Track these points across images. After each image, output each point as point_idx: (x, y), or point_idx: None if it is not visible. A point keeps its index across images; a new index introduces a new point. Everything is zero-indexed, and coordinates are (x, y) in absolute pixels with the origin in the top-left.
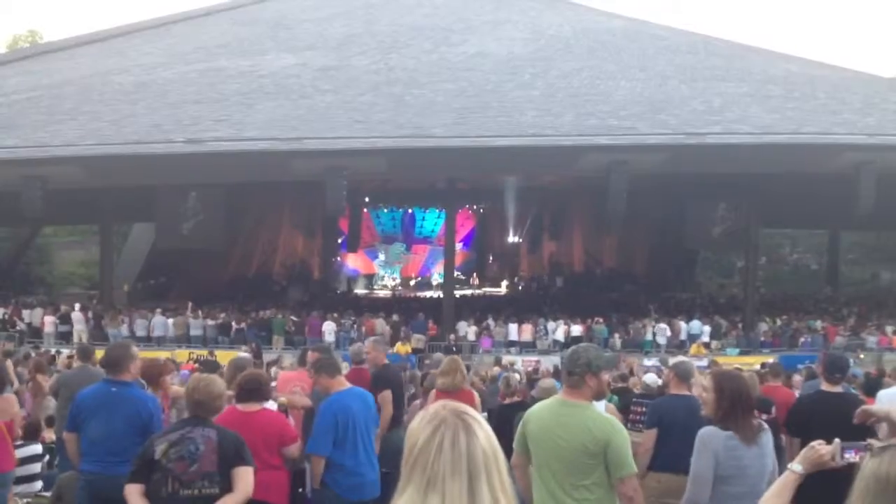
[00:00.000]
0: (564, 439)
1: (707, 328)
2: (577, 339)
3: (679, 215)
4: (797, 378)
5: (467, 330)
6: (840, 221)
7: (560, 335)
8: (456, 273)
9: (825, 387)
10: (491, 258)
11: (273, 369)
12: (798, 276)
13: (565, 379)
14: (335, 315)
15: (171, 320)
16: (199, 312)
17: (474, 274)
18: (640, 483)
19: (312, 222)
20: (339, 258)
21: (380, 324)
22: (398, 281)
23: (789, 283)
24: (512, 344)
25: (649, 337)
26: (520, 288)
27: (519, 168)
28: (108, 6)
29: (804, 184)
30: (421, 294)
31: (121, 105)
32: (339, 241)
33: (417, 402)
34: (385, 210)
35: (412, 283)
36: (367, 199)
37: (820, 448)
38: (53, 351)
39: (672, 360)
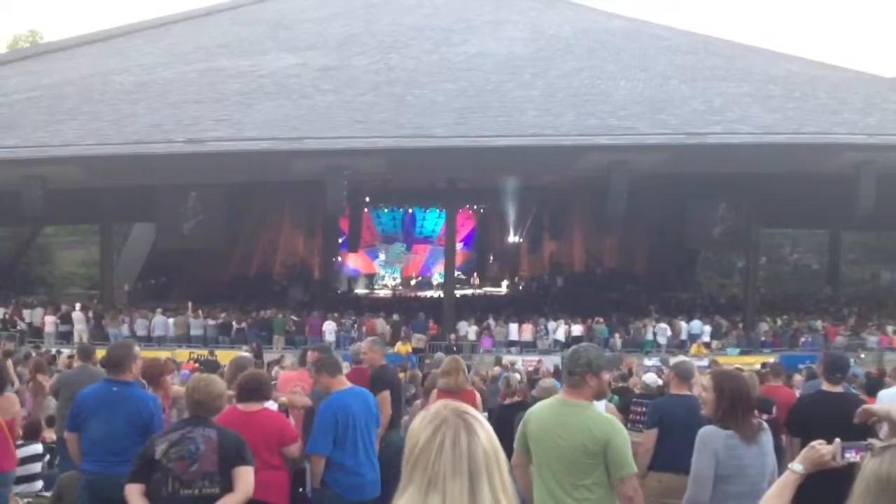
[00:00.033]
0: (564, 439)
1: (707, 328)
2: (577, 339)
3: (679, 215)
4: (798, 378)
5: (468, 330)
6: (840, 221)
7: (560, 335)
8: (456, 273)
9: (826, 387)
10: (491, 258)
11: (274, 369)
12: (798, 276)
13: (566, 379)
14: (336, 315)
15: (171, 320)
16: (200, 312)
17: (475, 274)
18: (640, 483)
19: (313, 222)
20: (339, 258)
21: (380, 323)
22: (399, 281)
23: (790, 283)
24: (512, 344)
25: (650, 337)
26: (520, 288)
27: (519, 168)
28: (108, 6)
29: (805, 184)
30: (421, 294)
31: (121, 105)
32: (340, 240)
33: (418, 402)
34: (385, 210)
35: (413, 282)
36: (367, 199)
37: (820, 448)
38: (54, 351)
39: (673, 360)
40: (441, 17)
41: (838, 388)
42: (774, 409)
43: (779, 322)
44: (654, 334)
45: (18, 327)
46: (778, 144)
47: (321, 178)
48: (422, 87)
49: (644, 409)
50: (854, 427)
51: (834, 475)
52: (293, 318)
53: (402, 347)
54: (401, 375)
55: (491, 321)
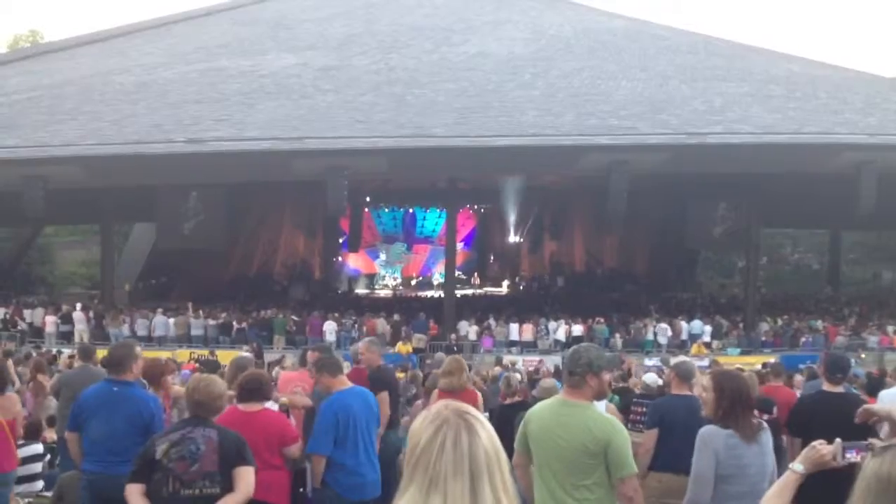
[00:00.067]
0: (565, 439)
1: (708, 328)
2: (578, 339)
3: (680, 215)
4: (799, 378)
5: (468, 330)
6: (841, 221)
7: (561, 335)
8: (457, 273)
9: (826, 387)
10: (492, 258)
11: (275, 370)
12: (799, 276)
13: (566, 379)
14: (336, 315)
15: (172, 320)
16: (201, 312)
17: (475, 274)
18: (641, 483)
19: (313, 222)
20: (340, 258)
21: (381, 323)
22: (399, 281)
23: (790, 283)
24: (513, 344)
25: (650, 337)
26: (521, 288)
27: (520, 168)
28: (108, 6)
29: (805, 184)
30: (422, 294)
31: (121, 105)
32: (341, 240)
33: (420, 402)
34: (386, 210)
35: (413, 282)
36: (368, 199)
37: (821, 448)
38: (55, 351)
39: (673, 360)
40: (441, 17)
41: (839, 389)
42: (775, 410)
43: (779, 322)
44: (655, 334)
45: (19, 327)
46: (778, 144)
47: (322, 178)
48: (422, 87)
49: (644, 409)
50: (855, 427)
51: (834, 475)
52: (294, 318)
53: (402, 347)
54: (401, 376)
55: (491, 321)
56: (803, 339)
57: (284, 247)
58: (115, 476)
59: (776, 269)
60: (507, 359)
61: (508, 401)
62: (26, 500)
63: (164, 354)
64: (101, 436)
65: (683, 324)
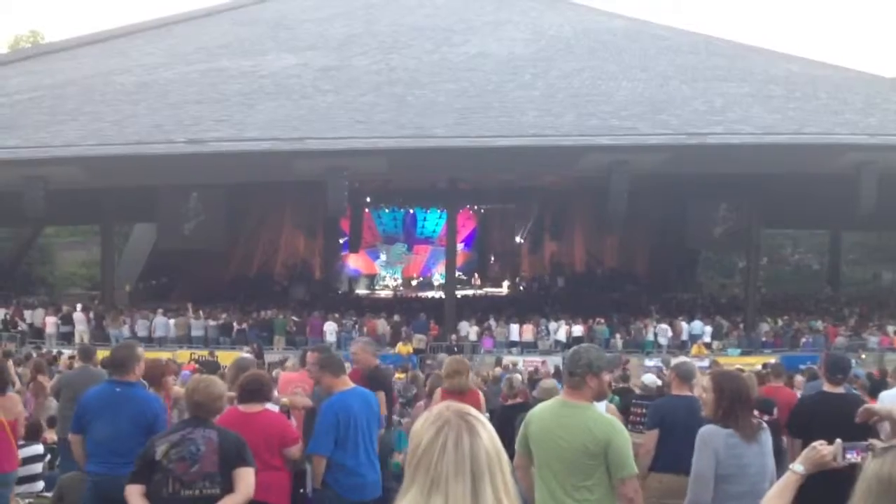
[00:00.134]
0: (565, 440)
1: (708, 328)
2: (578, 340)
3: (680, 215)
4: (799, 379)
5: (469, 330)
6: (841, 222)
7: (561, 335)
8: (457, 273)
9: (827, 387)
10: (492, 258)
11: (275, 370)
12: (799, 277)
13: (566, 379)
14: (337, 315)
15: (172, 321)
16: (201, 313)
17: (476, 274)
18: (641, 484)
19: (314, 222)
20: (340, 258)
21: (381, 324)
22: (399, 281)
23: (791, 284)
24: (513, 344)
25: (650, 337)
26: (521, 288)
27: (520, 168)
28: (109, 7)
29: (805, 184)
30: (422, 294)
31: (122, 105)
32: (341, 241)
33: (421, 402)
34: (386, 210)
35: (414, 283)
36: (368, 200)
37: (822, 448)
38: (55, 351)
39: (674, 361)
40: (442, 18)
41: (840, 389)
42: (776, 411)
43: (780, 323)
44: (655, 335)
45: (19, 328)
46: (779, 145)
47: (322, 179)
48: (423, 88)
49: (644, 410)
50: (855, 428)
51: (835, 476)
52: (294, 318)
53: (402, 348)
54: (401, 376)
55: (492, 322)
56: (803, 340)
57: (285, 247)
58: (120, 477)
59: (776, 269)
60: (506, 359)
61: (510, 402)
62: (27, 500)
63: (164, 355)
64: (104, 437)
65: (684, 324)
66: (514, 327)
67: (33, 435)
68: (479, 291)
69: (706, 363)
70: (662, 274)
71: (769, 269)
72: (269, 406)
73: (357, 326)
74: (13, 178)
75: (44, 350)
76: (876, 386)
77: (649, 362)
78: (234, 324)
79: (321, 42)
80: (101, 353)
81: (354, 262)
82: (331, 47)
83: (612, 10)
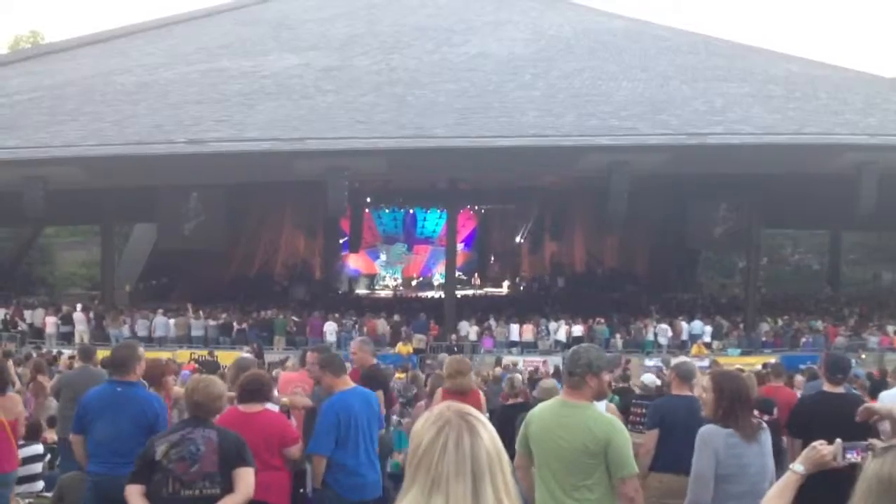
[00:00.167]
0: (565, 440)
1: (708, 328)
2: (578, 340)
3: (680, 215)
4: (799, 378)
5: (469, 330)
6: (841, 222)
7: (561, 335)
8: (457, 273)
9: (827, 387)
10: (492, 258)
11: (275, 371)
12: (799, 277)
13: (566, 379)
14: (337, 315)
15: (172, 321)
16: (201, 313)
17: (476, 274)
18: (641, 484)
19: (314, 223)
20: (340, 258)
21: (381, 324)
22: (400, 281)
23: (791, 284)
24: (513, 344)
25: (650, 337)
26: (521, 288)
27: (520, 168)
28: (109, 7)
29: (805, 184)
30: (422, 294)
31: (122, 105)
32: (341, 241)
33: (422, 402)
34: (386, 210)
35: (414, 283)
36: (368, 200)
37: (822, 448)
38: (55, 352)
39: (674, 361)
40: (442, 18)
41: (840, 389)
42: (776, 411)
43: (780, 322)
44: (655, 335)
45: (19, 328)
46: (779, 145)
47: (322, 179)
48: (423, 88)
49: (643, 410)
50: (855, 428)
51: (835, 476)
52: (294, 318)
53: (402, 348)
54: (401, 376)
55: (492, 321)
56: (803, 340)
57: (285, 247)
58: (121, 477)
59: (776, 269)
60: (506, 359)
61: (511, 401)
62: (27, 500)
63: (164, 355)
64: (106, 437)
65: (684, 324)
66: (514, 327)
67: (33, 435)
68: (479, 291)
69: (706, 363)
70: (662, 274)
71: (769, 269)
72: (270, 406)
73: (357, 326)
74: (13, 178)
75: (44, 350)
76: (876, 386)
77: (649, 362)
78: (234, 324)
79: (322, 42)
80: (102, 353)
81: (354, 262)
82: (332, 47)
83: (612, 11)
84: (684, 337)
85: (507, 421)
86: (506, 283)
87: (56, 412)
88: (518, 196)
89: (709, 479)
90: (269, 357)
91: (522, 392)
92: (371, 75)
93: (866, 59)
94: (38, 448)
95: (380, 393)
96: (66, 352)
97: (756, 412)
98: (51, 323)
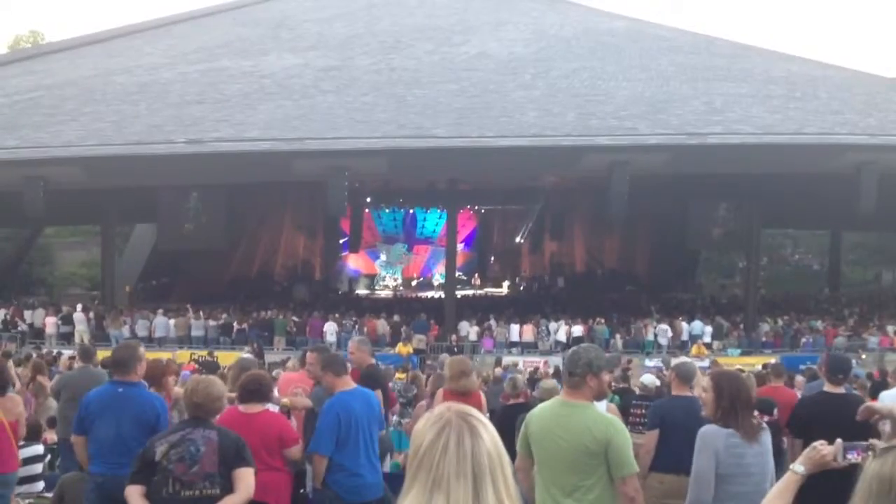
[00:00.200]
0: (565, 440)
1: (708, 329)
2: (578, 340)
3: (680, 215)
4: (800, 379)
5: (469, 330)
6: (842, 222)
7: (562, 336)
8: (457, 273)
9: (828, 388)
10: (492, 258)
11: (275, 371)
12: (799, 277)
13: (566, 379)
14: (337, 315)
15: (172, 321)
16: (201, 313)
17: (476, 274)
18: (642, 484)
19: (314, 223)
20: (340, 259)
21: (381, 324)
22: (400, 281)
23: (791, 284)
24: (513, 344)
25: (650, 337)
26: (521, 288)
27: (520, 168)
28: (109, 7)
29: (806, 184)
30: (422, 294)
31: (122, 105)
32: (341, 241)
33: (423, 402)
34: (386, 210)
35: (414, 283)
36: (368, 200)
37: (822, 448)
38: (55, 352)
39: (674, 361)
40: (442, 18)
41: (840, 389)
42: (776, 411)
43: (780, 323)
44: (655, 335)
45: (19, 328)
46: (779, 145)
47: (322, 179)
48: (423, 88)
49: (643, 410)
50: (856, 428)
51: (835, 476)
52: (294, 318)
53: (402, 348)
54: (402, 377)
55: (492, 322)
56: (804, 340)
57: (285, 247)
58: (124, 477)
59: (777, 269)
60: (506, 360)
61: (512, 401)
62: (27, 500)
63: (164, 355)
64: (108, 437)
65: (684, 324)
66: (515, 327)
67: (33, 435)
68: (479, 291)
69: (706, 363)
70: (662, 274)
71: (769, 270)
72: (270, 407)
73: (357, 327)
74: (13, 178)
75: (44, 350)
76: (876, 386)
77: (649, 362)
78: (235, 324)
79: (322, 42)
80: (102, 354)
81: (354, 262)
82: (332, 47)
83: (612, 11)
84: (684, 337)
85: (508, 420)
86: (506, 284)
87: (56, 413)
88: (518, 196)
89: (709, 478)
90: (270, 357)
91: (523, 392)
92: (371, 75)
93: (866, 59)
94: (39, 449)
95: (378, 393)
96: (66, 352)
97: (756, 413)
98: (51, 323)
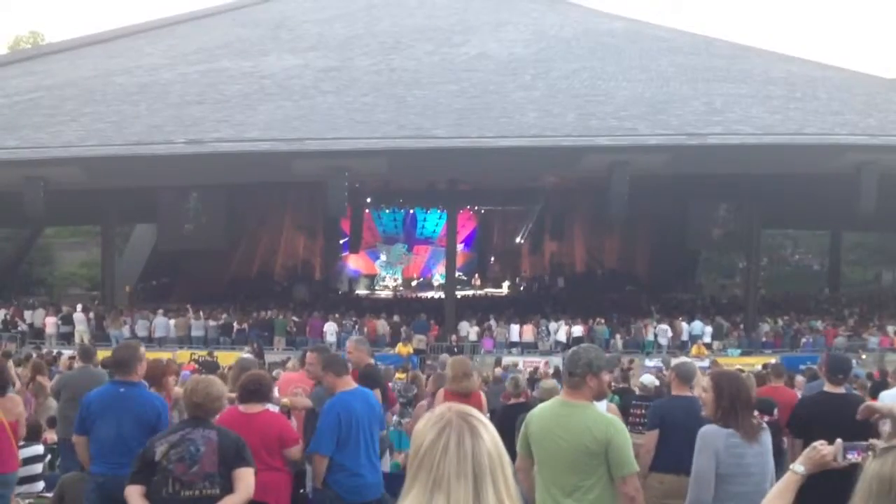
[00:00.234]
0: (565, 440)
1: (708, 329)
2: (578, 340)
3: (680, 216)
4: (800, 379)
5: (469, 330)
6: (841, 222)
7: (562, 336)
8: (457, 274)
9: (828, 388)
10: (492, 259)
11: (275, 371)
12: (799, 277)
13: (566, 379)
14: (337, 316)
15: (172, 321)
16: (201, 313)
17: (476, 274)
18: (642, 483)
19: (314, 223)
20: (340, 259)
21: (381, 324)
22: (400, 281)
23: (791, 284)
24: (514, 345)
25: (651, 338)
26: (521, 288)
27: (520, 169)
28: (109, 7)
29: (805, 184)
30: (422, 295)
31: (122, 106)
32: (341, 241)
33: (423, 402)
34: (386, 211)
35: (414, 283)
36: (368, 200)
37: (822, 448)
38: (55, 352)
39: (674, 361)
40: (442, 18)
41: (840, 390)
42: (776, 411)
43: (780, 323)
44: (655, 335)
45: (19, 328)
46: (779, 145)
47: (322, 179)
48: (423, 88)
49: (643, 410)
50: (856, 428)
51: (835, 476)
52: (294, 318)
53: (402, 348)
54: (402, 377)
55: (492, 322)
56: (804, 340)
57: (285, 248)
58: (125, 477)
59: (777, 269)
60: (506, 360)
61: (512, 401)
62: (27, 501)
63: (164, 355)
64: (109, 437)
65: (684, 324)
66: (515, 328)
67: (33, 435)
68: (479, 292)
69: (706, 363)
70: (662, 274)
71: (769, 270)
72: (270, 407)
73: (357, 327)
74: (13, 178)
75: (44, 350)
76: (876, 386)
77: (649, 362)
78: (235, 324)
79: (322, 43)
80: (102, 354)
81: (354, 262)
82: (332, 48)
83: (612, 11)
84: (684, 337)
85: (509, 420)
86: (506, 284)
87: (56, 413)
88: (518, 196)
89: (709, 478)
90: (270, 357)
91: (524, 392)
92: (371, 76)
93: (866, 59)
94: (39, 449)
95: (377, 392)
96: (66, 352)
97: (756, 413)
98: (51, 323)
